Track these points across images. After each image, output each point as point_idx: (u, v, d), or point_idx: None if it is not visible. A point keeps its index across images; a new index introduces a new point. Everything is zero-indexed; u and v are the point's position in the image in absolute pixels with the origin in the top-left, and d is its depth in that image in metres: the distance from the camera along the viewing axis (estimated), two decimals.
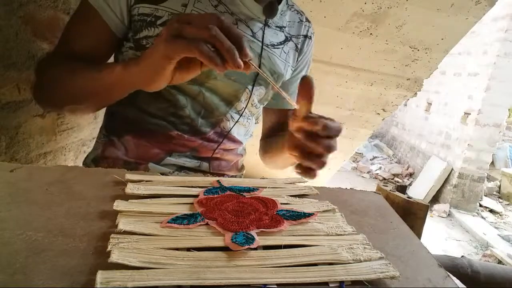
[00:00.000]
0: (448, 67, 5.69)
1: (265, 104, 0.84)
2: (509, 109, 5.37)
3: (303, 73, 0.85)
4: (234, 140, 0.79)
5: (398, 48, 1.60)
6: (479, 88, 5.05)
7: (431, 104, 6.47)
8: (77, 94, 0.63)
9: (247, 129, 0.83)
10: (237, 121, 0.77)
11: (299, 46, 0.81)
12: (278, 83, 0.77)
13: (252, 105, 0.78)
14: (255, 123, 0.87)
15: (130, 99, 0.67)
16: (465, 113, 5.31)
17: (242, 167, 0.90)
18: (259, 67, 0.71)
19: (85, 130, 1.11)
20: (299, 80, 0.80)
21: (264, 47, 0.72)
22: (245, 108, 0.76)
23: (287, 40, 0.78)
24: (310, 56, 0.87)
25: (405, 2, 1.39)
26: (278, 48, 0.76)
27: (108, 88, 0.59)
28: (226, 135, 0.76)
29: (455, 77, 5.72)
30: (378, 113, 1.97)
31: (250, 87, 0.74)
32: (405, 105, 6.92)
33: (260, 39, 0.72)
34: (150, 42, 0.65)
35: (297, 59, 0.82)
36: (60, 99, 0.66)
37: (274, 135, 0.86)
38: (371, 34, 1.54)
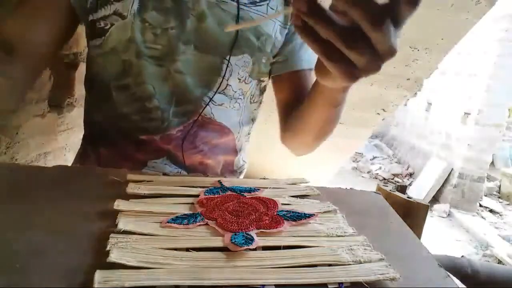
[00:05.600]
0: (448, 67, 5.69)
1: (263, 79, 0.69)
2: (509, 109, 5.37)
3: None
4: (220, 129, 0.66)
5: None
6: (479, 88, 5.05)
7: (431, 104, 6.47)
8: None
9: (240, 113, 0.68)
10: (221, 104, 0.64)
11: None
12: (266, 47, 0.63)
13: (240, 80, 0.64)
14: (255, 107, 0.73)
15: (102, 98, 0.63)
16: (465, 113, 5.31)
17: (242, 164, 0.77)
18: (237, 30, 0.60)
19: None
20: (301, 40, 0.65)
21: (241, 6, 0.60)
22: (219, 85, 0.62)
23: None
24: None
25: None
26: (261, 5, 0.62)
27: None
28: (197, 119, 0.62)
29: (455, 77, 5.72)
30: (378, 113, 1.97)
31: (228, 57, 0.61)
32: (405, 105, 6.92)
33: None
34: (108, 23, 0.57)
35: (291, 15, 0.64)
36: None
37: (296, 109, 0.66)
38: None
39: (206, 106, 0.63)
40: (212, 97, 0.63)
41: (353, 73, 0.35)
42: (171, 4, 0.58)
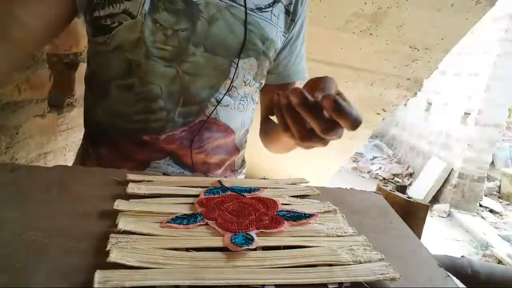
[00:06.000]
0: (448, 67, 5.69)
1: (262, 81, 0.71)
2: (509, 109, 5.38)
3: (298, 41, 0.74)
4: (224, 129, 0.68)
5: (398, 48, 1.59)
6: (479, 88, 5.06)
7: (431, 104, 6.48)
8: None
9: (243, 114, 0.70)
10: (227, 105, 0.66)
11: (290, 9, 0.69)
12: (269, 51, 0.67)
13: (245, 83, 0.66)
14: (254, 107, 0.74)
15: (103, 97, 0.63)
16: (465, 113, 5.32)
17: (242, 164, 0.79)
18: (246, 35, 0.63)
19: None
20: (297, 51, 0.75)
21: (249, 11, 0.62)
22: (229, 87, 0.64)
23: (275, 1, 0.67)
24: (305, 20, 0.75)
25: (405, 2, 1.39)
26: (266, 11, 0.65)
27: None
28: (206, 120, 0.64)
29: (455, 77, 5.72)
30: (378, 113, 1.97)
31: (236, 60, 0.63)
32: (405, 105, 6.92)
33: (242, 3, 0.62)
34: (116, 21, 0.57)
35: (290, 24, 0.70)
36: None
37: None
38: (371, 34, 1.54)
39: (215, 109, 0.64)
40: (221, 99, 0.64)
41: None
42: (182, 6, 0.58)
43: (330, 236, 0.40)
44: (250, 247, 0.35)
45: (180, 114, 0.63)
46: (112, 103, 0.63)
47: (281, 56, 0.72)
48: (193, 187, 0.49)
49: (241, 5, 0.62)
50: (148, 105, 0.61)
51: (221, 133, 0.68)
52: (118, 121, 0.64)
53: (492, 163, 5.67)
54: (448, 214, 5.17)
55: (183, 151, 0.65)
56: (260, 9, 0.65)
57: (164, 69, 0.60)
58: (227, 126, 0.68)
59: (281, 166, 2.20)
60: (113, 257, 0.31)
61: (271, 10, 0.66)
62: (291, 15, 0.70)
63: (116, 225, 0.36)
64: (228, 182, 0.51)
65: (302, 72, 0.76)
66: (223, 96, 0.64)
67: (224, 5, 0.61)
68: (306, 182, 0.56)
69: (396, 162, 7.22)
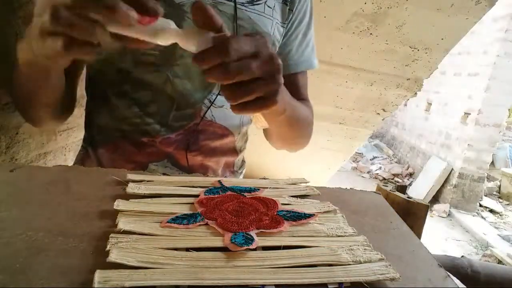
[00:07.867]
0: (448, 67, 5.69)
1: None
2: (509, 109, 5.37)
3: (299, 30, 0.71)
4: (221, 131, 0.67)
5: (398, 48, 1.59)
6: (479, 88, 5.06)
7: (431, 104, 6.47)
8: (24, 98, 0.56)
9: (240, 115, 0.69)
10: (222, 106, 0.64)
11: None
12: None
13: None
14: None
15: (102, 102, 0.63)
16: (465, 113, 5.31)
17: (242, 165, 0.78)
18: (236, 31, 0.59)
19: None
20: (299, 40, 0.71)
21: (238, 6, 0.60)
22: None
23: None
24: (308, 7, 0.71)
25: (405, 2, 1.39)
26: (259, 3, 0.63)
27: (28, 76, 0.50)
28: (199, 123, 0.63)
29: (455, 77, 5.72)
30: (378, 113, 1.97)
31: None
32: (405, 105, 6.93)
33: None
34: None
35: (288, 14, 0.68)
36: (28, 113, 0.60)
37: None
38: (371, 34, 1.54)
39: (207, 110, 0.63)
40: (214, 100, 0.63)
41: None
42: (166, 9, 0.57)
43: (330, 236, 0.40)
44: (250, 247, 0.35)
45: (175, 118, 0.63)
46: (110, 108, 0.63)
47: (281, 47, 0.70)
48: (193, 187, 0.49)
49: (230, 1, 0.60)
50: (143, 109, 0.62)
51: (218, 135, 0.67)
52: (117, 124, 0.64)
53: (492, 163, 5.67)
54: (448, 214, 5.16)
55: (180, 154, 0.65)
56: (251, 2, 0.62)
57: (153, 74, 0.59)
58: (223, 127, 0.67)
59: (281, 166, 2.21)
60: (113, 257, 0.31)
61: (265, 2, 0.64)
62: (288, 4, 0.67)
63: (116, 225, 0.36)
64: (228, 182, 0.51)
65: (307, 62, 0.74)
66: (216, 97, 0.63)
67: (211, 3, 0.59)
68: (306, 182, 0.56)
69: (396, 162, 7.22)
